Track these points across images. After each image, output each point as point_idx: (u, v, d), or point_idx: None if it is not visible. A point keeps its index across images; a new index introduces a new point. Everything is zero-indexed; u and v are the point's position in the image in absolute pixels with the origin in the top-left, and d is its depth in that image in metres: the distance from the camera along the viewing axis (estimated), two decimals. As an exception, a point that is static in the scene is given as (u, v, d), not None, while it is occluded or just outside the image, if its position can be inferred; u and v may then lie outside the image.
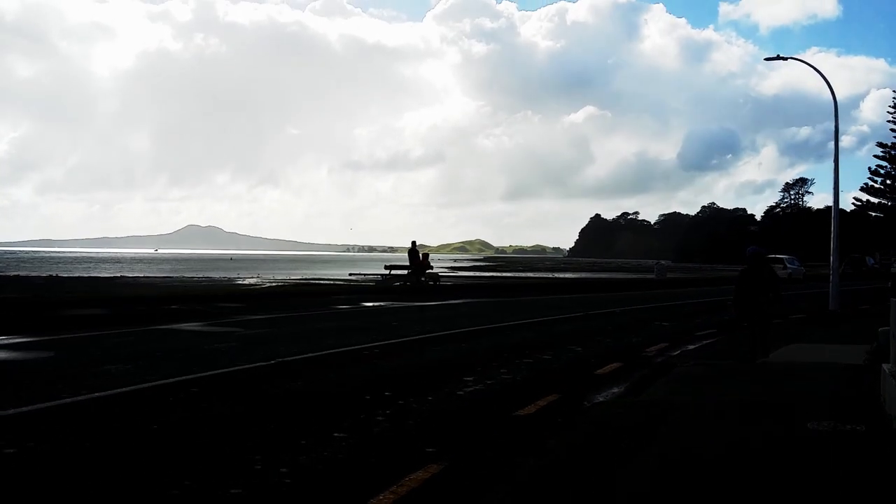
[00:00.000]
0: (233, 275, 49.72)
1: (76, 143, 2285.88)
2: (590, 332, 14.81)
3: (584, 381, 9.36)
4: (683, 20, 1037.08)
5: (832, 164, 19.70)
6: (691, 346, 13.21)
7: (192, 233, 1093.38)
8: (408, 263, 30.36)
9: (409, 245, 29.68)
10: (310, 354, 10.81)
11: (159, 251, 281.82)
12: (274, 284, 32.24)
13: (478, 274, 69.71)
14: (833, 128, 20.07)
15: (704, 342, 13.91)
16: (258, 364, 9.79)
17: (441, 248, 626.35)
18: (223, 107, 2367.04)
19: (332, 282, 35.76)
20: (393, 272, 32.28)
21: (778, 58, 20.11)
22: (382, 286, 29.87)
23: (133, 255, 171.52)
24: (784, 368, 10.09)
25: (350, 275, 41.91)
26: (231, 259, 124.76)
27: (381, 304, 21.32)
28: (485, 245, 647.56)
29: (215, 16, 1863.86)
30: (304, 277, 43.34)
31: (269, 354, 10.54)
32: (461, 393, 8.35)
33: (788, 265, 49.44)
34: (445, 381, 9.00)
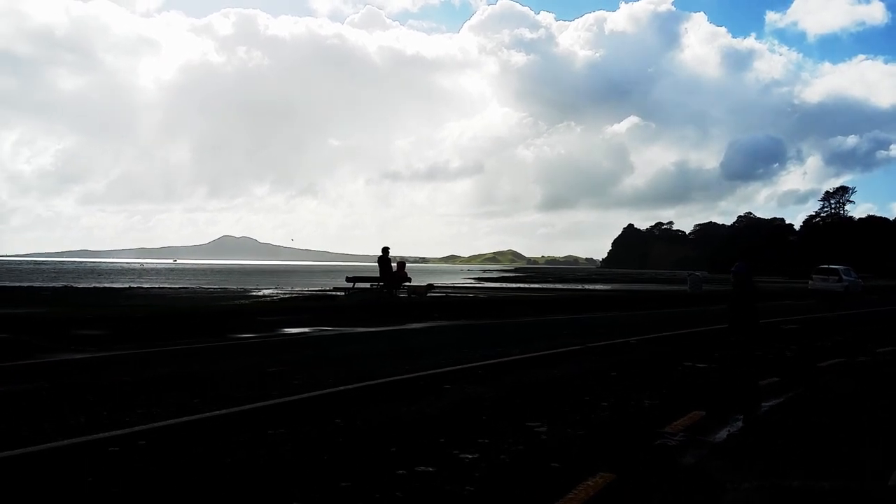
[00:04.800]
0: (251, 286, 48.10)
1: (119, 155, 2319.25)
2: (578, 387, 9.27)
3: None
4: (723, 29, 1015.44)
5: (879, 174, 14.24)
6: (743, 420, 7.67)
7: (226, 244, 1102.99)
8: (378, 275, 24.81)
9: (381, 252, 24.22)
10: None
11: (178, 261, 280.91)
12: (272, 298, 27.37)
13: (500, 286, 64.46)
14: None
15: (767, 405, 8.38)
16: None
17: (472, 259, 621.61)
18: (264, 119, 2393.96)
19: (310, 293, 31.14)
20: (357, 285, 26.67)
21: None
22: (355, 302, 24.36)
23: (154, 266, 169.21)
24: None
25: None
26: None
27: (307, 329, 15.89)
28: (516, 256, 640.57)
29: (257, 29, 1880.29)
30: (320, 288, 40.37)
31: None
32: None
33: (844, 277, 43.01)
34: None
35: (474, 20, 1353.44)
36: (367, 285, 26.03)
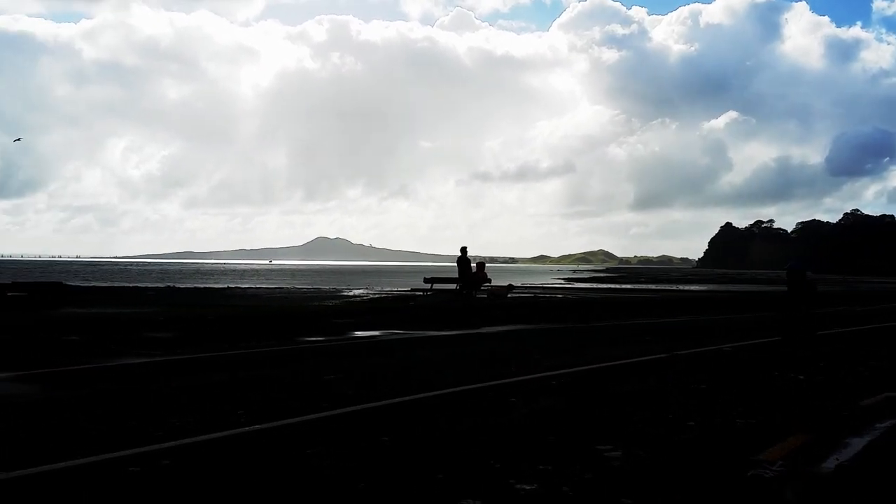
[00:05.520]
0: (342, 287, 48.73)
1: (220, 160, 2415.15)
2: (661, 402, 8.29)
3: None
4: (826, 18, 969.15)
5: None
6: (855, 446, 6.55)
7: (320, 245, 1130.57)
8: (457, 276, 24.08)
9: (459, 252, 23.51)
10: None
11: (273, 262, 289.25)
12: (354, 299, 27.27)
13: (589, 286, 62.98)
14: None
15: (880, 427, 7.22)
16: None
17: (562, 259, 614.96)
18: (357, 123, 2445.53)
19: (396, 294, 30.92)
20: (435, 286, 25.96)
21: None
22: (432, 303, 23.79)
23: (251, 267, 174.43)
24: None
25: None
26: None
27: (378, 333, 15.37)
28: (608, 255, 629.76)
29: (349, 35, 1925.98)
30: (407, 288, 39.98)
31: None
32: None
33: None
34: None
35: (564, 18, 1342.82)
36: (452, 286, 25.38)
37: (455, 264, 23.82)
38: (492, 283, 25.63)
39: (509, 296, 26.50)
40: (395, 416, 7.31)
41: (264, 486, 5.07)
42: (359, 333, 15.18)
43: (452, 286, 25.15)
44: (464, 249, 23.60)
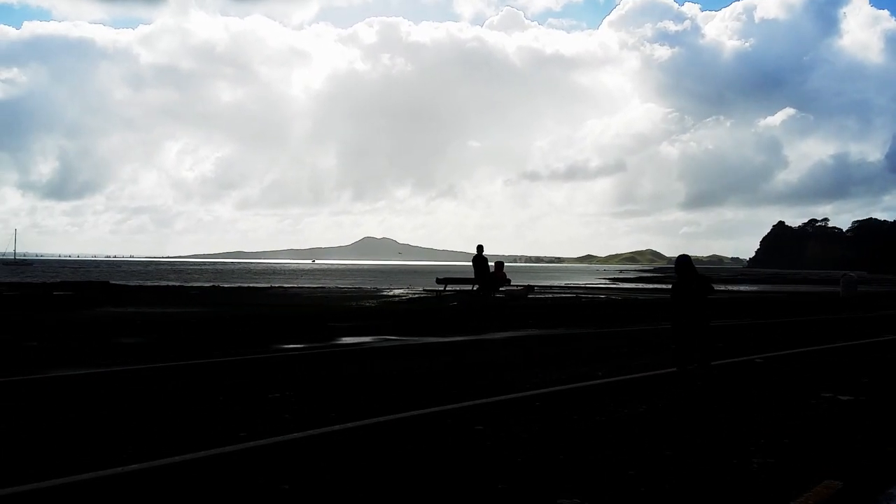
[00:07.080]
0: (384, 286, 48.14)
1: (272, 162, 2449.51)
2: (660, 433, 6.77)
3: None
4: (886, 12, 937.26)
5: None
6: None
7: (367, 244, 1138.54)
8: (473, 276, 22.55)
9: (476, 251, 22.00)
10: None
11: (316, 262, 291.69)
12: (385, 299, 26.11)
13: (634, 286, 60.87)
14: None
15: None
16: None
17: (610, 259, 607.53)
18: (406, 123, 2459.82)
19: (424, 294, 29.69)
20: (449, 287, 24.44)
21: None
22: (445, 305, 22.32)
23: (300, 267, 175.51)
24: None
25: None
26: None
27: (369, 339, 13.94)
28: (656, 255, 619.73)
29: (399, 36, 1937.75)
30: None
31: None
32: None
33: None
34: None
35: (614, 15, 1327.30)
36: (467, 287, 23.92)
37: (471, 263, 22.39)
38: (511, 284, 24.07)
39: (530, 296, 24.94)
40: (319, 451, 5.92)
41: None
42: (346, 340, 13.78)
43: (467, 287, 23.65)
44: (480, 248, 22.12)
